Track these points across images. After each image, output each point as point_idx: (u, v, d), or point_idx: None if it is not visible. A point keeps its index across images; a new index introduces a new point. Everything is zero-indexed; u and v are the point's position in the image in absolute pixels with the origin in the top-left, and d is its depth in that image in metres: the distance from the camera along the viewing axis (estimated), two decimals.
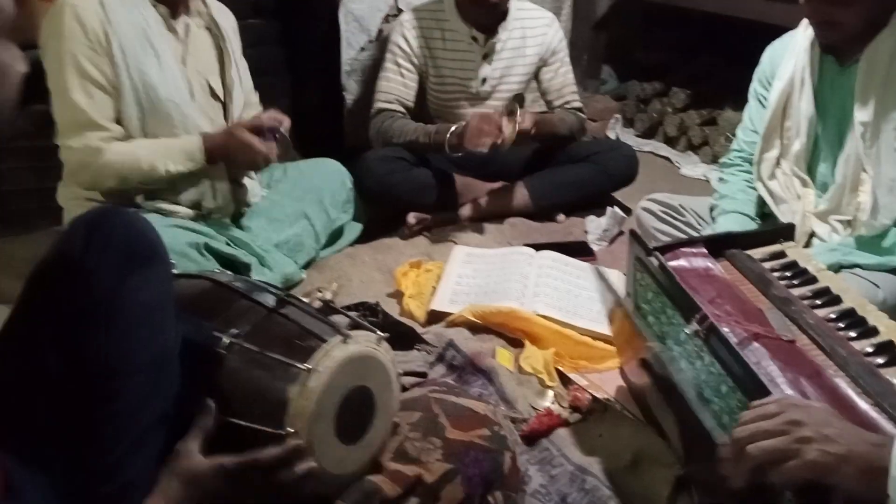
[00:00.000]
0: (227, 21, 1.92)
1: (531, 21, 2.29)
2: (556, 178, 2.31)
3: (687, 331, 1.13)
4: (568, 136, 2.34)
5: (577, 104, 2.40)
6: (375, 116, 2.27)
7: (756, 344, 1.11)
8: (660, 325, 1.26)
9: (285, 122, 1.83)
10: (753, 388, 0.97)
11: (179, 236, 1.66)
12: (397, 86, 2.26)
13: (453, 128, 2.12)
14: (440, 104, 2.31)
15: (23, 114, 2.24)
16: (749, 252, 1.38)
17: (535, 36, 2.31)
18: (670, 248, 1.34)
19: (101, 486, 0.94)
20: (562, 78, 2.37)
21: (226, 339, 1.05)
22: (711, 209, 1.83)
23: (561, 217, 2.32)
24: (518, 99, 2.33)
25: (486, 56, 2.27)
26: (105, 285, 0.94)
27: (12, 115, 0.79)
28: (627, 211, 2.26)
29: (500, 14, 2.25)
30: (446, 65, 2.27)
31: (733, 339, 1.07)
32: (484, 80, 2.30)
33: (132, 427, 0.95)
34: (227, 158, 1.79)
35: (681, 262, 1.31)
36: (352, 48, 2.62)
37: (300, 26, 2.56)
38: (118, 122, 1.69)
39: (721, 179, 1.86)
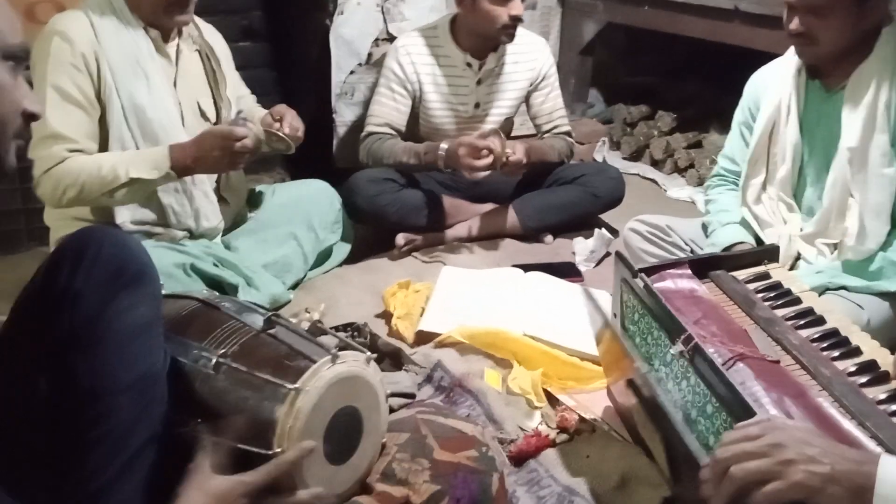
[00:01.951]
0: (218, 42, 1.94)
1: (523, 46, 2.32)
2: (545, 200, 2.33)
3: (672, 351, 1.14)
4: (558, 161, 2.37)
5: (566, 128, 2.43)
6: (366, 139, 2.29)
7: (741, 364, 1.12)
8: (646, 346, 1.27)
9: (295, 124, 1.83)
10: (738, 408, 0.98)
11: (166, 256, 1.66)
12: (389, 110, 2.28)
13: (442, 145, 2.14)
14: (432, 128, 2.33)
15: None
16: (734, 273, 1.39)
17: (527, 61, 2.34)
18: (656, 269, 1.35)
19: None
20: (551, 102, 2.40)
21: (214, 360, 1.05)
22: (705, 227, 1.84)
23: (549, 238, 2.34)
24: (506, 126, 2.37)
25: (480, 81, 2.30)
26: (92, 306, 0.94)
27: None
28: (615, 232, 2.28)
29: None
30: (440, 90, 2.29)
31: (718, 360, 1.08)
32: (477, 105, 2.32)
33: (122, 450, 0.94)
34: (200, 160, 1.68)
35: (666, 284, 1.32)
36: (342, 71, 2.65)
37: (291, 49, 2.58)
38: (106, 144, 1.69)
39: (709, 200, 1.88)
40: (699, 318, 1.22)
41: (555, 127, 2.41)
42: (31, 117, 0.83)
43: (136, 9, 1.70)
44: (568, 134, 2.43)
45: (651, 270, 1.33)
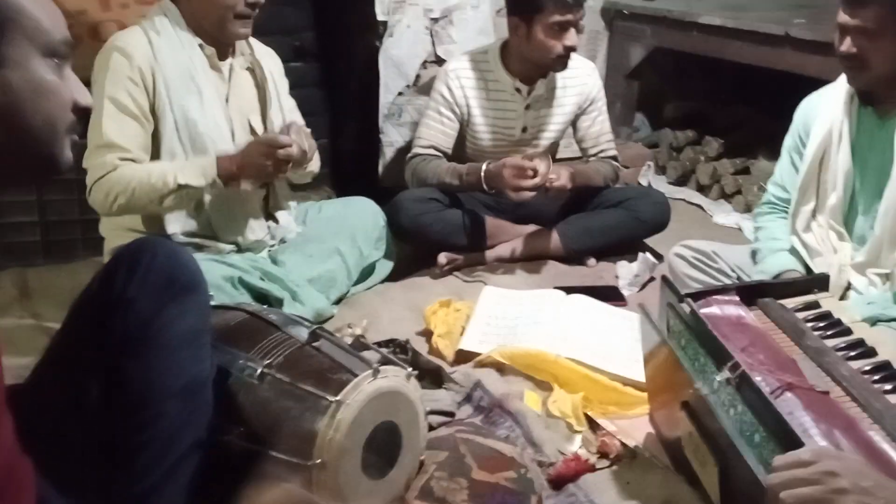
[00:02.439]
0: (274, 63, 1.99)
1: (572, 70, 2.32)
2: (588, 223, 2.32)
3: (719, 379, 1.12)
4: (603, 186, 2.36)
5: (613, 152, 2.42)
6: (411, 160, 2.32)
7: (789, 394, 1.09)
8: (692, 371, 1.25)
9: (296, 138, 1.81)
10: (787, 438, 0.96)
11: (215, 269, 1.70)
12: (436, 133, 2.31)
13: (484, 165, 2.15)
14: (478, 151, 2.34)
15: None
16: (782, 301, 1.37)
17: (575, 85, 2.35)
18: (702, 294, 1.34)
19: None
20: (599, 126, 2.40)
21: (259, 370, 1.07)
22: (754, 253, 1.81)
23: (592, 261, 2.32)
24: (551, 149, 2.37)
25: (528, 107, 2.31)
26: (145, 313, 0.97)
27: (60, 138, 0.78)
28: (659, 257, 2.26)
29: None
30: (488, 114, 2.31)
31: (766, 389, 1.06)
32: (524, 129, 2.33)
33: (167, 454, 0.96)
34: (245, 168, 1.72)
35: (713, 310, 1.30)
36: (390, 92, 2.69)
37: (341, 70, 2.63)
38: (158, 157, 1.74)
39: (758, 227, 1.85)
40: (746, 346, 1.20)
41: (601, 151, 2.40)
42: (83, 111, 0.81)
43: (196, 25, 1.77)
44: (614, 158, 2.42)
45: (697, 296, 1.31)
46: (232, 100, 1.86)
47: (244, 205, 1.86)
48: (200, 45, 1.79)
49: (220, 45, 1.82)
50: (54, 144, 0.78)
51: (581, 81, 2.35)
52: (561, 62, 2.19)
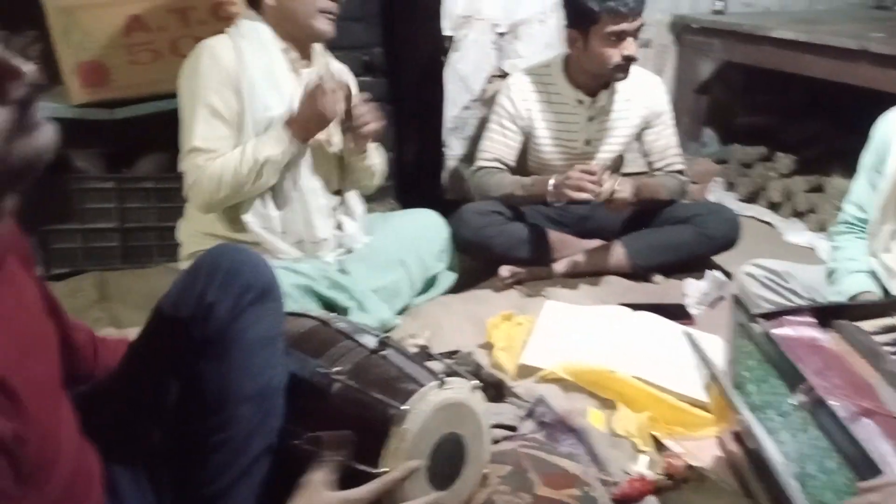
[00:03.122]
0: (349, 78, 2.04)
1: (636, 84, 2.30)
2: (655, 238, 2.28)
3: (792, 402, 1.09)
4: (668, 200, 2.33)
5: (680, 166, 2.39)
6: (475, 173, 2.33)
7: (866, 420, 1.06)
8: (761, 394, 1.22)
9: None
10: (863, 465, 0.93)
11: (285, 277, 1.74)
12: (499, 146, 2.32)
13: (551, 179, 2.15)
14: (541, 163, 2.34)
15: (147, 159, 2.43)
16: (859, 324, 1.32)
17: (639, 98, 2.32)
18: (775, 315, 1.30)
19: None
20: (665, 140, 2.37)
21: (329, 376, 1.09)
22: (830, 273, 1.76)
23: (658, 278, 2.28)
24: (616, 163, 2.35)
25: (591, 118, 2.30)
26: (223, 318, 1.00)
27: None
28: (727, 276, 2.20)
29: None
30: (551, 126, 2.31)
31: (842, 414, 1.03)
32: (587, 142, 2.32)
33: (240, 456, 0.99)
34: (309, 118, 1.79)
35: (786, 331, 1.27)
36: (455, 106, 2.72)
37: (407, 84, 2.67)
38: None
39: (835, 247, 1.80)
40: (821, 369, 1.17)
41: (668, 164, 2.37)
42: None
43: (280, 30, 1.84)
44: (681, 172, 2.39)
45: (770, 316, 1.28)
46: None
47: (310, 201, 1.90)
48: (284, 50, 1.85)
49: (303, 49, 1.89)
50: None
51: (646, 94, 2.33)
52: (621, 71, 2.18)
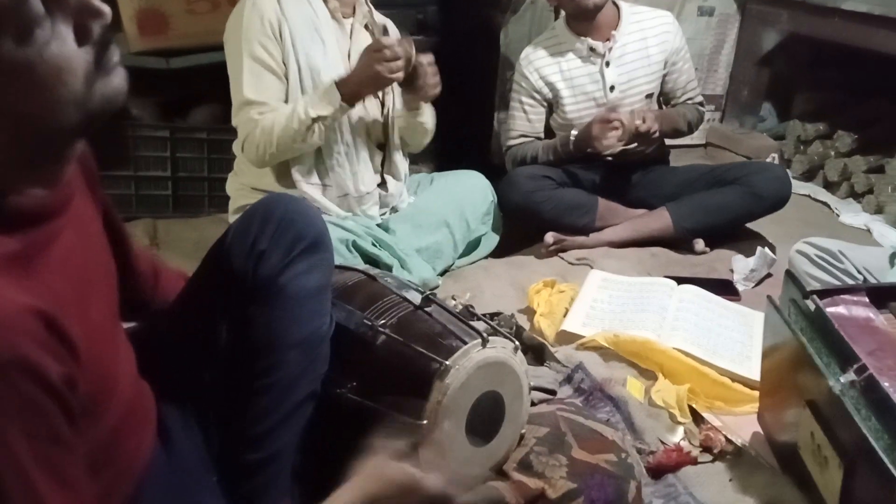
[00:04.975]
0: (392, 31, 2.02)
1: (650, 22, 2.28)
2: (703, 200, 2.23)
3: (843, 380, 1.07)
4: (687, 131, 2.35)
5: (699, 98, 2.40)
6: (507, 152, 2.37)
7: None
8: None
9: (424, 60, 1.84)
10: None
11: (332, 232, 1.74)
12: (522, 122, 2.33)
13: (573, 132, 2.17)
14: (571, 123, 2.30)
15: (200, 109, 2.46)
16: None
17: (656, 35, 2.29)
18: (829, 293, 1.27)
19: (250, 453, 1.01)
20: (686, 75, 2.36)
21: (374, 328, 1.10)
22: (893, 256, 1.70)
23: (700, 244, 2.23)
24: (649, 106, 2.32)
25: (609, 64, 2.26)
26: (274, 266, 1.01)
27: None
28: (776, 253, 2.15)
29: (609, 18, 2.26)
30: (571, 84, 2.28)
31: (895, 395, 1.00)
32: (612, 88, 2.28)
33: (285, 400, 1.01)
34: (362, 81, 1.76)
35: (839, 310, 1.24)
36: (509, 69, 2.68)
37: (461, 44, 2.64)
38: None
39: None
40: (874, 350, 1.14)
41: (688, 98, 2.37)
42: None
43: None
44: (700, 104, 2.38)
45: (823, 294, 1.25)
46: (353, 56, 1.90)
47: (358, 153, 1.91)
48: (324, 0, 1.85)
49: (344, 1, 1.88)
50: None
51: (663, 32, 2.30)
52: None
